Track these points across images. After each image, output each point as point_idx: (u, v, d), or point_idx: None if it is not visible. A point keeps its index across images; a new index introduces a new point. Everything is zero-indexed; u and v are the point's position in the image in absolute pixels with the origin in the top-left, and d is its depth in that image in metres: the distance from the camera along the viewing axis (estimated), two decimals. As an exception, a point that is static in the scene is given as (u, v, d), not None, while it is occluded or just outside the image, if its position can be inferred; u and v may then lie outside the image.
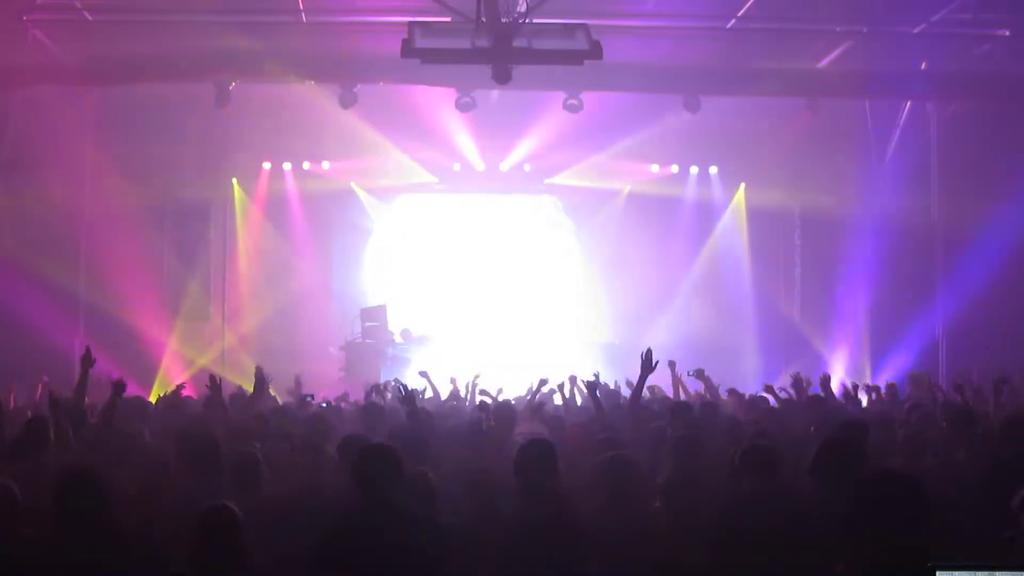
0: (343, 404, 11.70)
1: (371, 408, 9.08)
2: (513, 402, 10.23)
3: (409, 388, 8.30)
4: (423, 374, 12.05)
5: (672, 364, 11.21)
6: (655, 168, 20.53)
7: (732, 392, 11.00)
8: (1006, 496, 4.45)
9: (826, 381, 10.24)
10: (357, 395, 12.69)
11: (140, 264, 17.55)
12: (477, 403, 10.12)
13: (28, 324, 15.15)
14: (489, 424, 7.84)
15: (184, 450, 6.44)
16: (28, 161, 16.21)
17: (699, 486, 5.81)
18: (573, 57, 10.52)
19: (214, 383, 8.89)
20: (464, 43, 10.48)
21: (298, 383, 11.65)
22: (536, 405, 9.37)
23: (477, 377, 11.52)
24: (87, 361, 8.10)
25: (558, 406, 10.46)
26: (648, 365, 8.26)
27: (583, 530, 5.16)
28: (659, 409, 9.05)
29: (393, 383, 11.07)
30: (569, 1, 12.02)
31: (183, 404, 10.47)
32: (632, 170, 20.52)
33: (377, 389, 11.40)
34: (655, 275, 20.49)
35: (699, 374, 9.78)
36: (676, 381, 11.49)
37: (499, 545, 5.11)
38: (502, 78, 10.93)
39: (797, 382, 10.16)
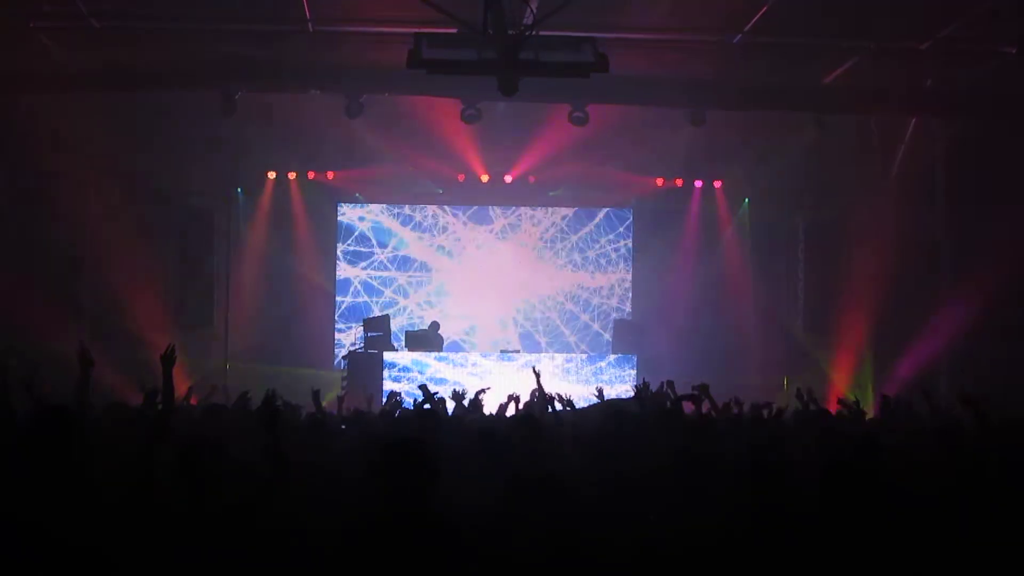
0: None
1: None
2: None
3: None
4: (422, 387, 11.96)
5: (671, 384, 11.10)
6: (660, 181, 20.52)
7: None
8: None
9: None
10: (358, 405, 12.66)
11: (144, 272, 17.55)
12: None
13: (31, 331, 15.12)
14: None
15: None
16: (32, 167, 16.21)
17: (702, 502, 5.77)
18: (579, 70, 10.54)
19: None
20: (470, 55, 10.51)
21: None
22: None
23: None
24: (85, 362, 7.40)
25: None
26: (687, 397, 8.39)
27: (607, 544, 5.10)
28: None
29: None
30: (576, 14, 11.99)
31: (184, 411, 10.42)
32: (637, 183, 20.53)
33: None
34: (658, 289, 20.51)
35: (704, 391, 9.69)
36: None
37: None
38: (508, 90, 10.95)
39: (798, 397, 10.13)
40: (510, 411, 10.77)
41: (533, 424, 7.83)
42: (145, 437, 5.26)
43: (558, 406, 10.20)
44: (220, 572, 4.74)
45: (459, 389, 11.11)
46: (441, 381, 16.88)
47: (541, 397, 10.81)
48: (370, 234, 20.98)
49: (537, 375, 11.27)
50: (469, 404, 10.66)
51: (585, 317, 21.17)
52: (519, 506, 5.24)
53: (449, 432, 7.79)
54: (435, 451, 5.13)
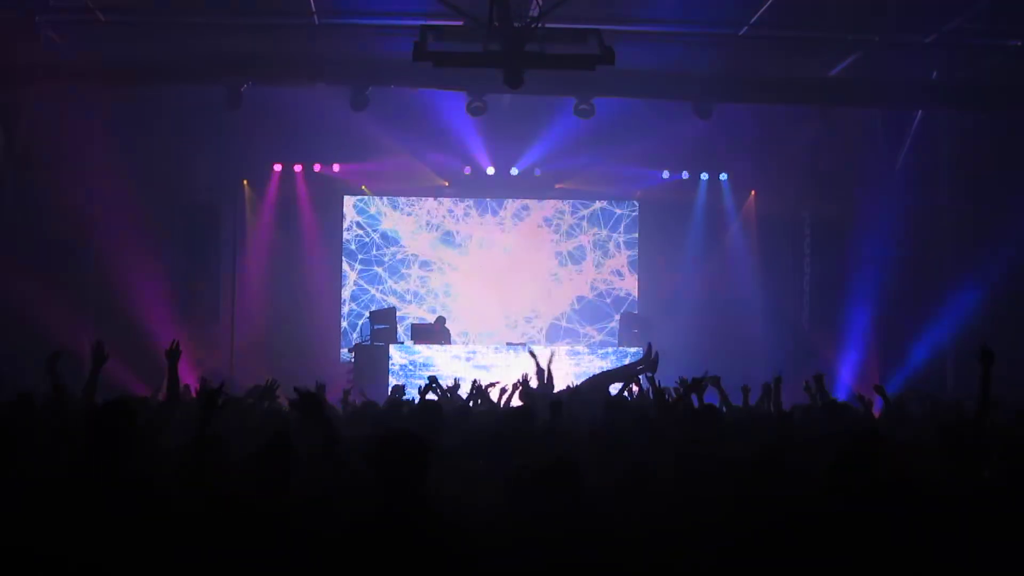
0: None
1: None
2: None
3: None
4: (432, 379, 11.98)
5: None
6: (666, 174, 20.51)
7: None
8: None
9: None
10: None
11: (150, 265, 17.55)
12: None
13: (38, 325, 15.16)
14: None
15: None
16: (39, 161, 16.25)
17: (707, 493, 5.77)
18: (585, 62, 10.54)
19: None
20: (476, 47, 10.53)
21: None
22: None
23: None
24: (99, 357, 7.49)
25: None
26: (696, 389, 8.24)
27: (610, 536, 5.09)
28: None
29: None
30: (582, 6, 12.03)
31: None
32: (643, 176, 20.53)
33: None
34: (664, 282, 20.50)
35: (715, 382, 9.66)
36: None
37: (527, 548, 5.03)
38: (514, 82, 10.95)
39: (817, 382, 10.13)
40: (515, 402, 10.81)
41: (527, 417, 7.83)
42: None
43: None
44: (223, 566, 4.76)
45: (458, 381, 11.18)
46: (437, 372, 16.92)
47: (548, 380, 10.87)
48: (375, 226, 20.98)
49: (534, 356, 11.37)
50: (476, 395, 10.69)
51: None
52: (518, 501, 5.26)
53: (450, 426, 7.81)
54: (430, 445, 5.13)
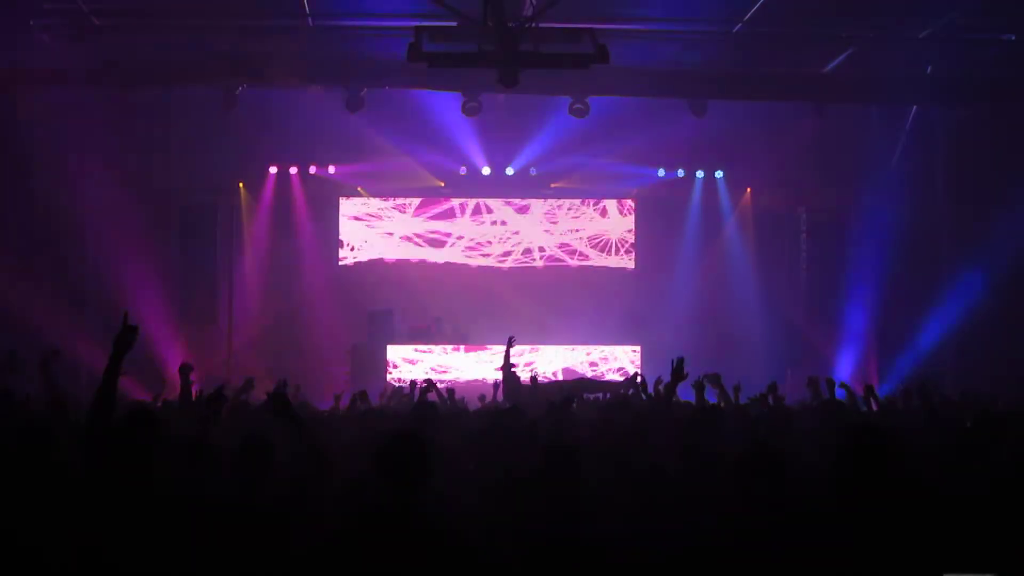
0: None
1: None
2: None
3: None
4: (428, 382, 11.99)
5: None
6: (661, 172, 20.51)
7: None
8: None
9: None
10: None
11: (147, 268, 17.55)
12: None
13: (34, 328, 15.14)
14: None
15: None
16: (35, 165, 16.23)
17: (705, 494, 5.75)
18: (579, 61, 10.55)
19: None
20: (470, 47, 10.53)
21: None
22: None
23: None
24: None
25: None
26: (679, 374, 8.15)
27: (604, 540, 5.08)
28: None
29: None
30: (575, 5, 12.03)
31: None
32: (638, 174, 20.52)
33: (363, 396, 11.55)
34: (661, 279, 20.50)
35: (715, 381, 9.66)
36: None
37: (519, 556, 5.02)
38: (508, 82, 10.96)
39: (813, 385, 10.18)
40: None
41: (518, 415, 7.82)
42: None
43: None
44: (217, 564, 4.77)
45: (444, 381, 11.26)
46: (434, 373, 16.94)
47: (507, 372, 10.95)
48: (371, 227, 20.96)
49: (509, 345, 11.52)
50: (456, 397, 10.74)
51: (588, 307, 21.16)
52: (514, 501, 5.26)
53: (445, 426, 7.81)
54: (431, 446, 5.12)
